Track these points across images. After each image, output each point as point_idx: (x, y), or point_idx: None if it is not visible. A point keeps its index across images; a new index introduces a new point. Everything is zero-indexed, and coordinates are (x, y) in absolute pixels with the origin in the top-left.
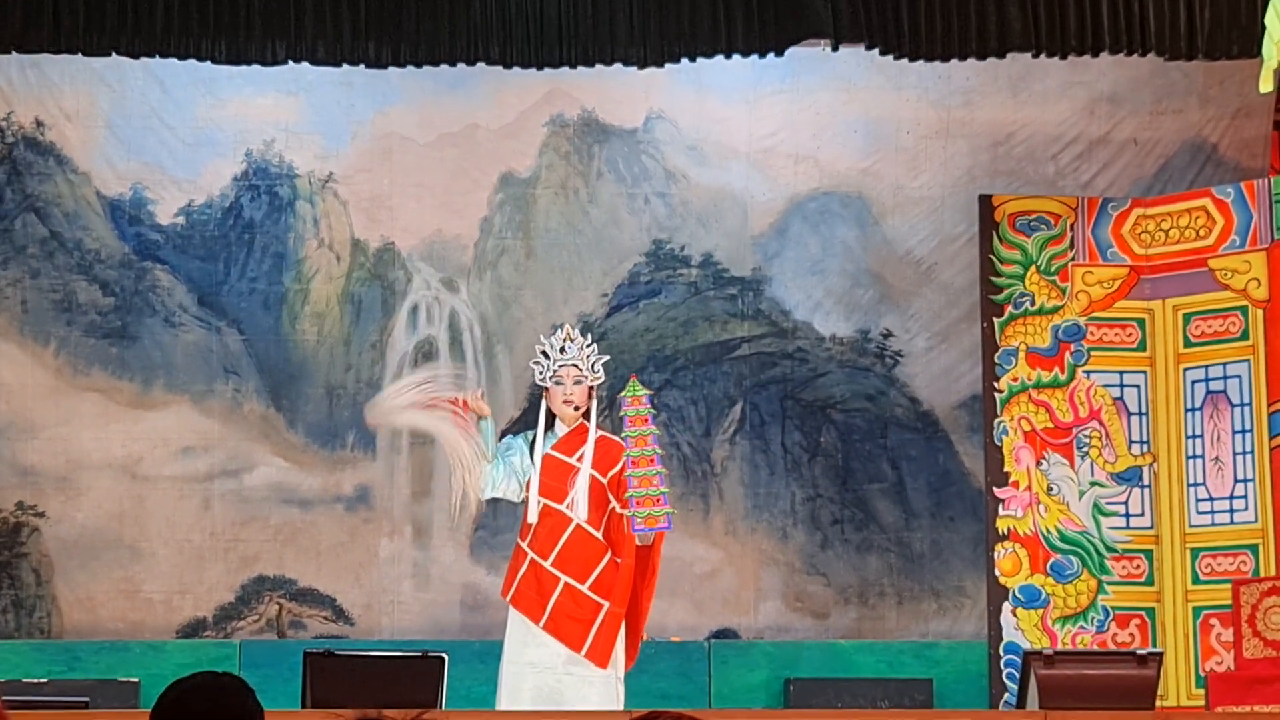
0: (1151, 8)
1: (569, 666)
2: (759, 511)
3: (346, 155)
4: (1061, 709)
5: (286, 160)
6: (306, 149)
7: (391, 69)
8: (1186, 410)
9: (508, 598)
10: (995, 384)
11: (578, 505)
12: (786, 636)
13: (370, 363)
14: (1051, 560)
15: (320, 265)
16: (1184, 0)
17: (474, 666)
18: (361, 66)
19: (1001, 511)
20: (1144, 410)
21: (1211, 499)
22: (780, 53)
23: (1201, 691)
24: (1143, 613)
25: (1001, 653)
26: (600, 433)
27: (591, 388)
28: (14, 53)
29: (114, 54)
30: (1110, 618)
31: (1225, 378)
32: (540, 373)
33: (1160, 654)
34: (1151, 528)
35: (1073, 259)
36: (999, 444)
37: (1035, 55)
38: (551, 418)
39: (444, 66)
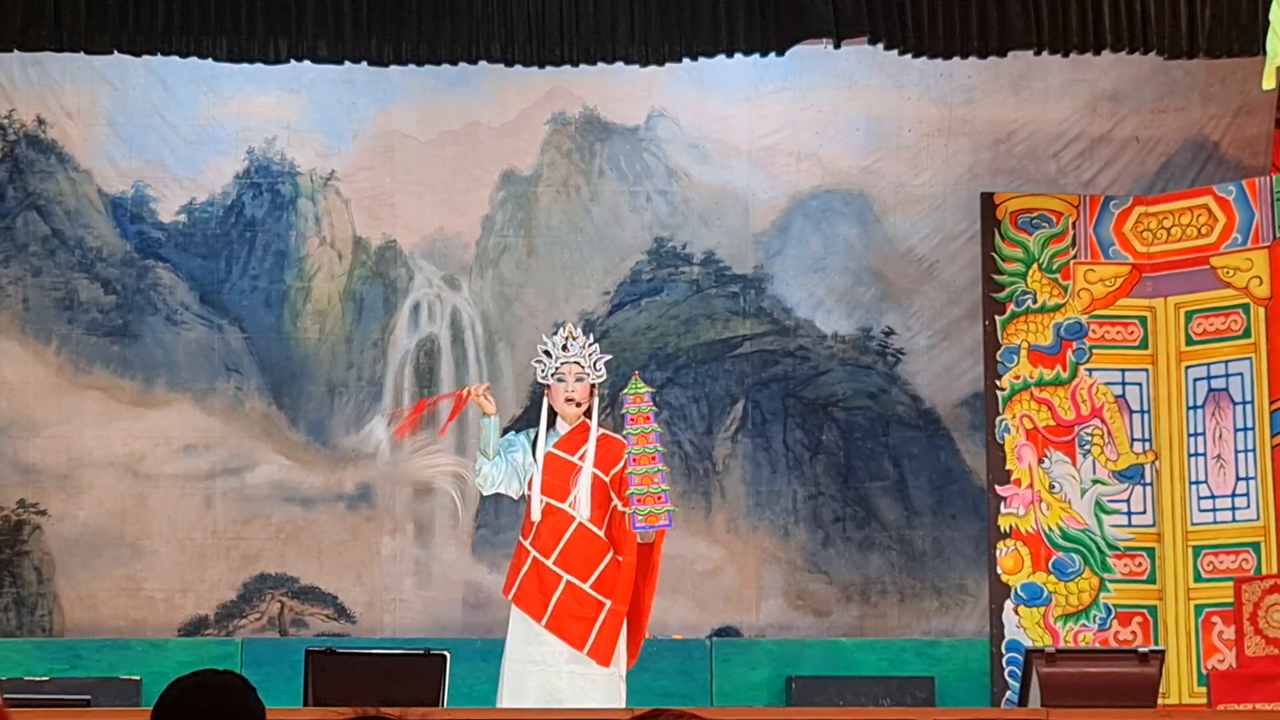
0: (1153, 6)
1: (571, 665)
2: (761, 509)
3: (348, 153)
4: (1063, 707)
5: (288, 158)
6: (308, 147)
7: (393, 67)
8: (1188, 408)
9: (510, 596)
10: (997, 382)
11: (580, 504)
12: (788, 634)
13: (372, 361)
14: (1053, 558)
15: (322, 263)
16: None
17: (476, 665)
18: (363, 64)
19: (1003, 509)
20: (1146, 408)
21: (1213, 497)
22: (781, 52)
23: (1203, 689)
24: (1145, 610)
25: (1003, 650)
26: (602, 431)
27: (593, 385)
28: (16, 51)
29: (115, 52)
30: (1112, 615)
31: (1227, 375)
32: (542, 371)
33: (1162, 652)
34: (1153, 525)
35: (1074, 257)
36: (1001, 442)
37: (1037, 53)
38: (553, 416)
39: (445, 65)
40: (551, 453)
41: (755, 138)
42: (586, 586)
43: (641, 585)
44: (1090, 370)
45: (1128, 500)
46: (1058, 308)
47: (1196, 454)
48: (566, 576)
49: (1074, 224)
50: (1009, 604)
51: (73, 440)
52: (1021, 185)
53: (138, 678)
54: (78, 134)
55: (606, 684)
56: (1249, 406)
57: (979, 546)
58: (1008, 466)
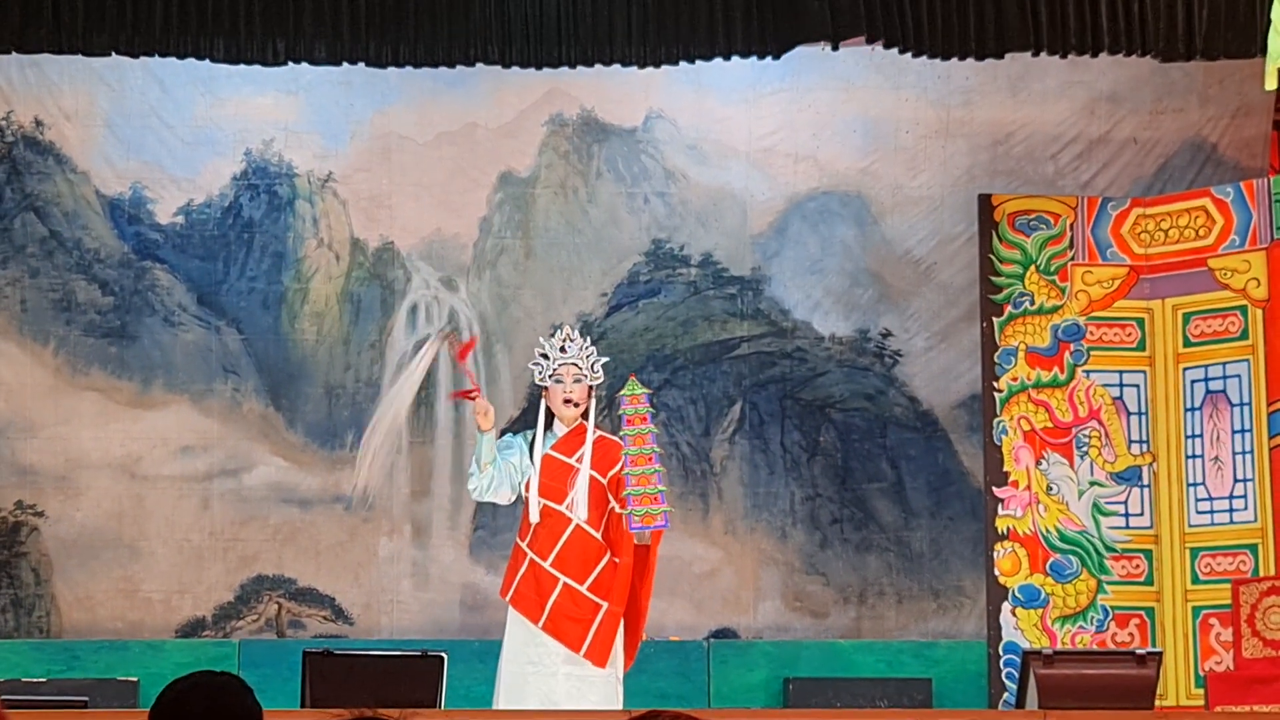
0: (1150, 7)
1: (568, 666)
2: (758, 511)
3: (345, 154)
4: (1061, 709)
5: (286, 159)
6: (305, 148)
7: (390, 68)
8: (1186, 410)
9: (507, 598)
10: (994, 383)
11: (577, 506)
12: (786, 636)
13: (369, 362)
14: (1051, 560)
15: (319, 264)
16: (1183, 2)
17: (473, 666)
18: (361, 66)
19: (1001, 511)
20: (1143, 410)
21: (1211, 499)
22: (778, 55)
23: (1201, 691)
24: (1142, 612)
25: (1001, 652)
26: (599, 433)
27: (591, 387)
28: (13, 52)
29: (113, 53)
30: (1110, 617)
31: (1225, 377)
32: (540, 372)
33: (1159, 654)
34: (1151, 527)
35: (1072, 258)
36: (998, 443)
37: (1035, 54)
38: (550, 417)
39: (443, 66)
40: (549, 455)
41: (753, 139)
42: (583, 588)
43: (638, 587)
44: (1088, 372)
45: (1125, 502)
46: (1055, 309)
47: (1194, 456)
48: (563, 578)
49: (1072, 226)
50: (1006, 606)
51: (70, 441)
52: (1019, 187)
53: (135, 679)
54: (75, 135)
55: (604, 685)
56: (1246, 408)
57: (976, 548)
58: (1005, 468)
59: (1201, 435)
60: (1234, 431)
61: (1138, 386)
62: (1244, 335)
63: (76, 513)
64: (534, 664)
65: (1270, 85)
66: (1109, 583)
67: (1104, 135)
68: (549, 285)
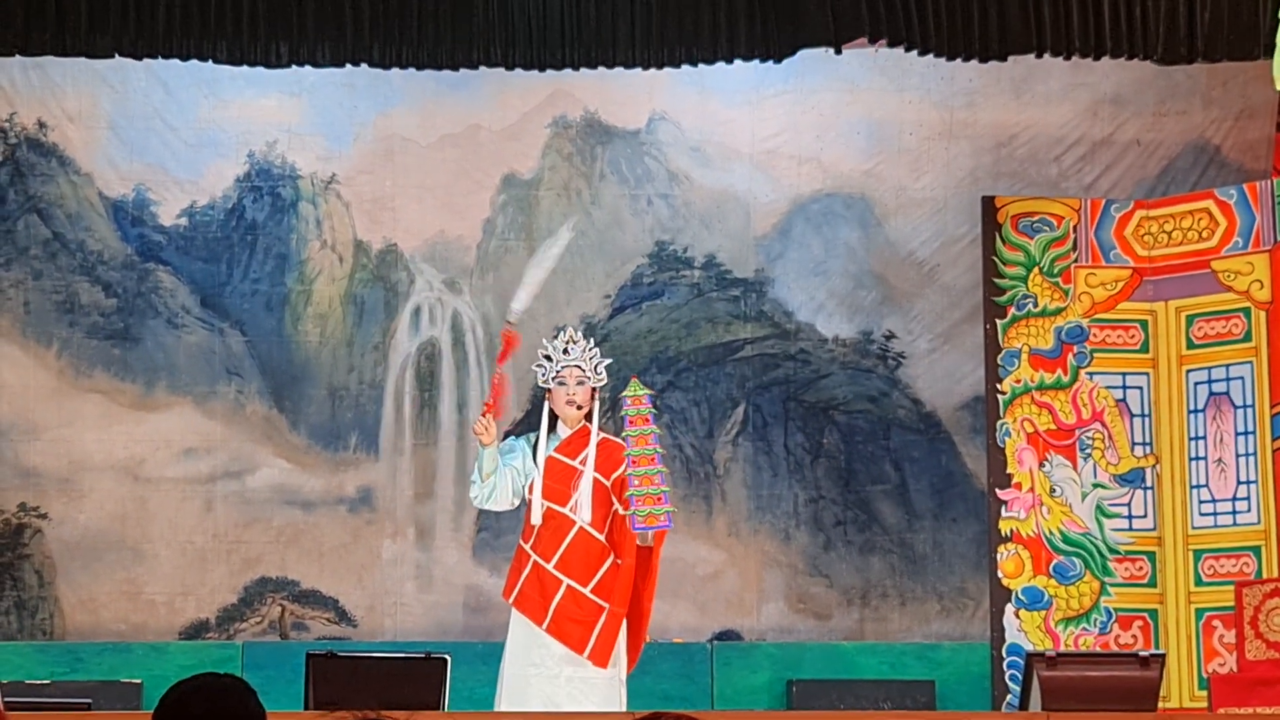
0: (1152, 10)
1: (570, 668)
2: (762, 513)
3: (349, 156)
4: (1064, 711)
5: (289, 161)
6: (309, 150)
7: (393, 70)
8: (1189, 412)
9: (510, 600)
10: (998, 385)
11: (581, 508)
12: (789, 638)
13: (373, 364)
14: (1054, 562)
15: (323, 266)
16: (1184, 2)
17: (477, 668)
18: (364, 67)
19: (1004, 513)
20: (1146, 412)
21: (1214, 500)
22: (780, 59)
23: (1204, 693)
24: (1145, 614)
25: (1004, 654)
26: (603, 435)
27: (594, 389)
28: (17, 54)
29: (117, 55)
30: (1113, 619)
31: (1228, 379)
32: (543, 374)
33: (1163, 656)
34: (1154, 529)
35: (1075, 260)
36: (1001, 445)
37: (1038, 55)
38: (554, 420)
39: (446, 69)
40: (552, 457)
41: (756, 141)
42: (587, 591)
43: (641, 589)
44: (1091, 374)
45: (1128, 504)
46: (1059, 311)
47: (1197, 458)
48: (567, 581)
49: (1075, 228)
50: (1010, 607)
51: (73, 444)
52: (1022, 189)
53: (138, 681)
54: (79, 137)
55: (606, 687)
56: (1250, 410)
57: (980, 550)
58: (1008, 470)
59: (1205, 437)
60: (1237, 433)
61: (1141, 388)
62: (1247, 337)
63: (80, 515)
64: (536, 666)
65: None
66: (1112, 585)
67: (1107, 137)
68: (552, 287)
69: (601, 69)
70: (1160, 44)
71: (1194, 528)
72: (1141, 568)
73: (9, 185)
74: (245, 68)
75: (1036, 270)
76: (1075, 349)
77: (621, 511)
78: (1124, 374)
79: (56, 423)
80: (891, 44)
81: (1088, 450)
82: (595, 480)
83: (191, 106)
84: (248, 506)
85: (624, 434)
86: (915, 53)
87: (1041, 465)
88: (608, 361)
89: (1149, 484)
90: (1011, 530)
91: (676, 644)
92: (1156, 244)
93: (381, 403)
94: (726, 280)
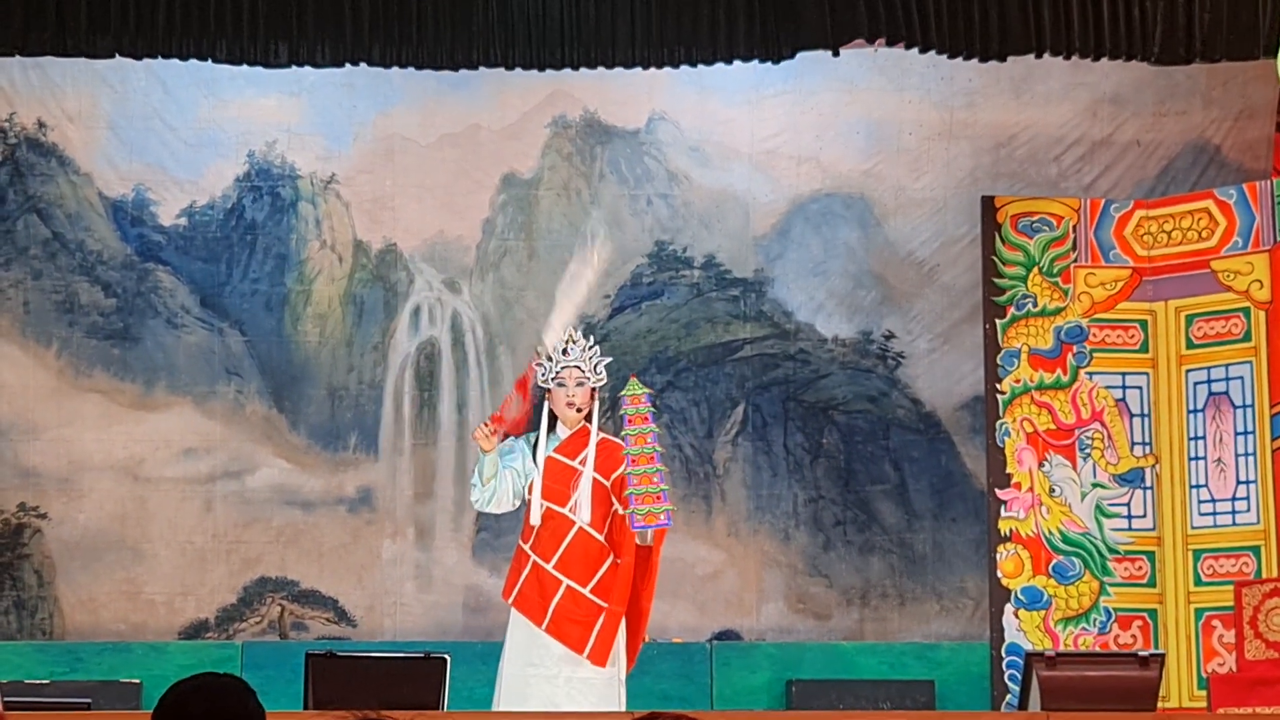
0: (1151, 10)
1: (569, 668)
2: (761, 513)
3: (348, 156)
4: (1063, 710)
5: (288, 161)
6: (308, 150)
7: (393, 69)
8: (1189, 412)
9: (509, 600)
10: (997, 385)
11: (580, 508)
12: (788, 638)
13: (372, 364)
14: (1053, 562)
15: (322, 266)
16: (1183, 3)
17: (476, 668)
18: (364, 67)
19: (1003, 513)
20: (1146, 412)
21: (1213, 500)
22: (778, 60)
23: (1203, 693)
24: (1145, 614)
25: (1003, 654)
26: (602, 435)
27: (594, 389)
28: (17, 55)
29: (117, 55)
30: (1112, 619)
31: (1227, 379)
32: (542, 374)
33: (1162, 655)
34: (1153, 529)
35: (1075, 260)
36: (1001, 445)
37: (1038, 56)
38: (553, 420)
39: (446, 69)
40: (552, 457)
41: (756, 141)
42: (586, 591)
43: (640, 588)
44: (1090, 374)
45: (1128, 504)
46: (1058, 311)
47: (1197, 457)
48: (566, 581)
49: (1074, 227)
50: (1009, 607)
51: (73, 443)
52: (1022, 189)
53: (138, 681)
54: (78, 137)
55: (606, 687)
56: (1249, 410)
57: (979, 550)
58: (1008, 470)
59: (1204, 437)
60: (1236, 433)
61: (1140, 388)
62: (1247, 337)
63: (79, 515)
64: (535, 666)
65: None
66: (1111, 584)
67: (1107, 137)
68: (552, 287)
69: (601, 69)
70: (1158, 45)
71: (1193, 528)
72: (1141, 567)
73: (9, 185)
74: (245, 68)
75: (1036, 270)
76: (1075, 349)
77: (621, 511)
78: (1123, 374)
79: (56, 422)
80: (890, 43)
81: (1087, 450)
82: (595, 480)
83: (191, 106)
84: (247, 506)
85: (623, 433)
86: (915, 51)
87: (1041, 465)
88: (607, 361)
89: (1148, 484)
90: (1011, 530)
91: (676, 644)
92: (1156, 244)
93: (381, 403)
94: (726, 280)
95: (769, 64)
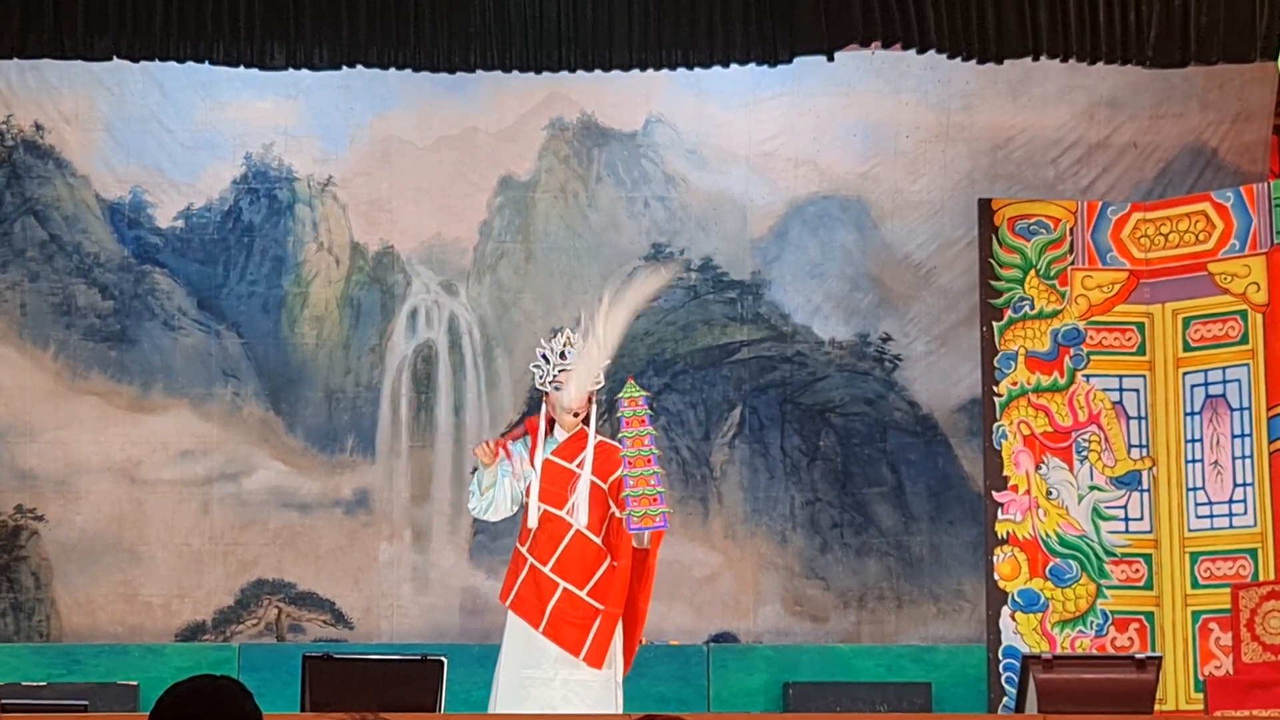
0: (1147, 13)
1: (566, 671)
2: (758, 515)
3: (345, 159)
4: (1060, 713)
5: (285, 163)
6: (305, 152)
7: (390, 71)
8: (1186, 414)
9: (507, 602)
10: (994, 388)
11: (578, 511)
12: (785, 640)
13: (369, 366)
14: (1050, 564)
15: (319, 269)
16: (1180, 6)
17: (473, 670)
18: (360, 69)
19: (1000, 515)
20: (1143, 414)
21: (1211, 503)
22: (775, 64)
23: (1200, 695)
24: (1142, 617)
25: (1000, 656)
26: (600, 438)
27: (591, 393)
28: (14, 58)
29: (114, 58)
30: (1109, 622)
31: (1224, 382)
32: (540, 377)
33: (1159, 658)
34: (1150, 532)
35: (1072, 263)
36: (998, 448)
37: (1035, 59)
38: (551, 422)
39: (443, 71)
40: (549, 460)
41: (753, 143)
42: (583, 593)
43: (637, 591)
44: (1088, 376)
45: (1125, 506)
46: (1055, 314)
47: (1194, 460)
48: (563, 583)
49: (1072, 230)
50: (1006, 610)
51: (70, 446)
52: (1019, 191)
53: (135, 683)
54: (75, 139)
55: (603, 689)
56: (1246, 413)
57: (976, 552)
58: (1005, 473)
59: (1201, 440)
60: (1234, 436)
61: (1137, 391)
62: (1244, 340)
63: (76, 517)
64: (532, 668)
65: None
66: (1108, 587)
67: (1104, 140)
68: (549, 289)
69: (598, 71)
70: (1154, 48)
71: (1190, 530)
72: (1138, 570)
73: (5, 188)
74: (242, 70)
75: (1033, 273)
76: (1072, 351)
77: (618, 514)
78: (1121, 376)
79: (53, 425)
80: (886, 44)
81: (1084, 453)
82: (592, 483)
83: (188, 109)
84: (244, 509)
85: (620, 435)
86: (913, 52)
87: (1038, 468)
88: (605, 362)
89: (1145, 486)
90: (1008, 533)
91: (673, 646)
92: (1153, 246)
93: (378, 405)
94: (723, 283)
95: (766, 66)
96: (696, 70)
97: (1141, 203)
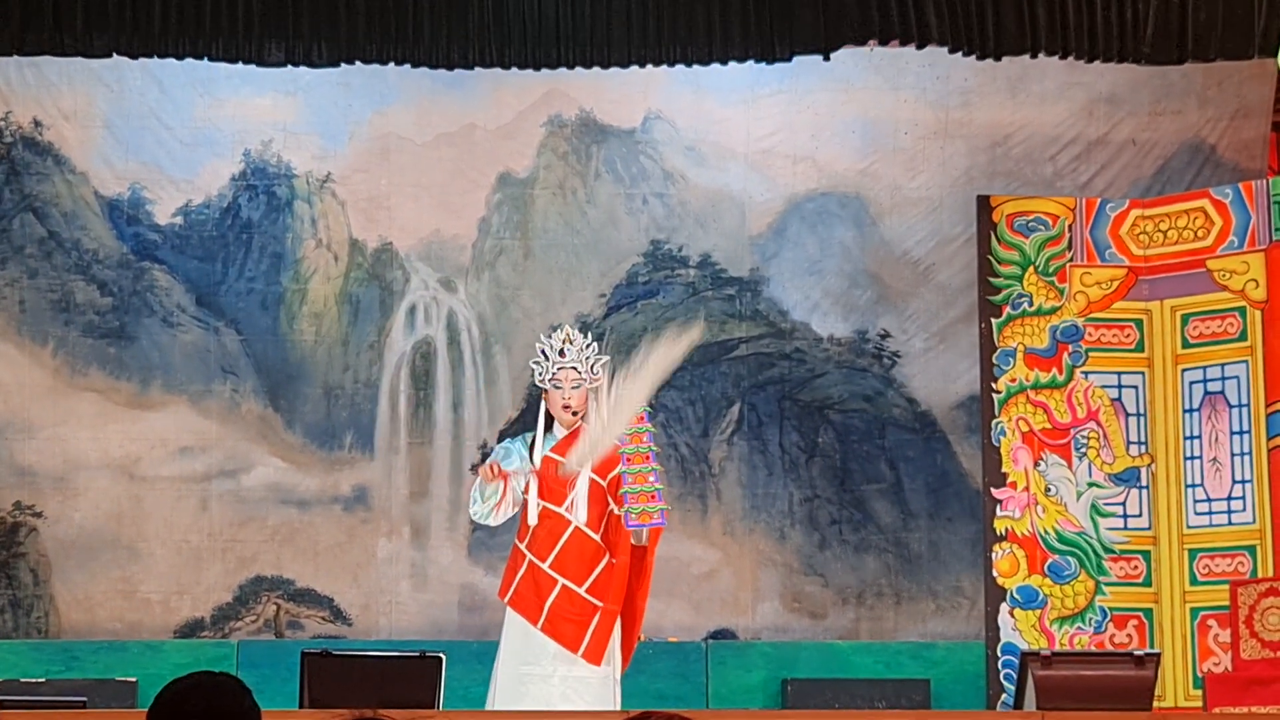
0: (1144, 11)
1: (565, 667)
2: (757, 512)
3: (344, 155)
4: (1059, 710)
5: (284, 160)
6: (304, 149)
7: (390, 67)
8: (1184, 411)
9: (505, 599)
10: (993, 384)
11: (577, 508)
12: (784, 637)
13: (368, 363)
14: (1049, 561)
15: (318, 265)
16: (1178, 3)
17: (472, 667)
18: (359, 66)
19: (999, 512)
20: (1142, 411)
21: (1209, 500)
22: (773, 62)
23: (1199, 692)
24: (1140, 614)
25: (999, 653)
26: None
27: (589, 391)
28: (14, 55)
29: (113, 54)
30: (1108, 618)
31: (1223, 379)
32: (539, 374)
33: (1158, 655)
34: (1149, 529)
35: (1071, 260)
36: (997, 445)
37: (1033, 55)
38: (550, 419)
39: (442, 68)
40: (549, 456)
41: (751, 140)
42: (582, 590)
43: (636, 587)
44: (1086, 373)
45: (1124, 503)
46: (1054, 310)
47: (1192, 457)
48: (562, 580)
49: (1070, 227)
50: (1005, 607)
51: (69, 442)
52: (1018, 188)
53: (134, 679)
54: (74, 136)
55: (601, 686)
56: (1245, 409)
57: (975, 549)
58: (1004, 469)
59: (1200, 436)
60: (1232, 433)
61: (1136, 388)
62: (1243, 336)
63: (75, 513)
64: (530, 665)
65: None
66: (1107, 584)
67: (1103, 137)
68: (548, 286)
69: (597, 68)
70: (1151, 45)
71: (1189, 527)
72: (1136, 567)
73: (4, 184)
74: (241, 66)
75: (1032, 269)
76: (1070, 348)
77: (616, 510)
78: (1119, 373)
79: (52, 421)
80: (884, 41)
81: (1083, 449)
82: (591, 480)
83: (187, 105)
84: (243, 505)
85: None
86: (911, 49)
87: (1036, 464)
88: (604, 360)
89: (1144, 483)
90: (1006, 529)
91: (671, 643)
92: (1152, 243)
93: (377, 401)
94: (721, 279)
95: (765, 64)
96: (695, 67)
97: (1140, 199)
